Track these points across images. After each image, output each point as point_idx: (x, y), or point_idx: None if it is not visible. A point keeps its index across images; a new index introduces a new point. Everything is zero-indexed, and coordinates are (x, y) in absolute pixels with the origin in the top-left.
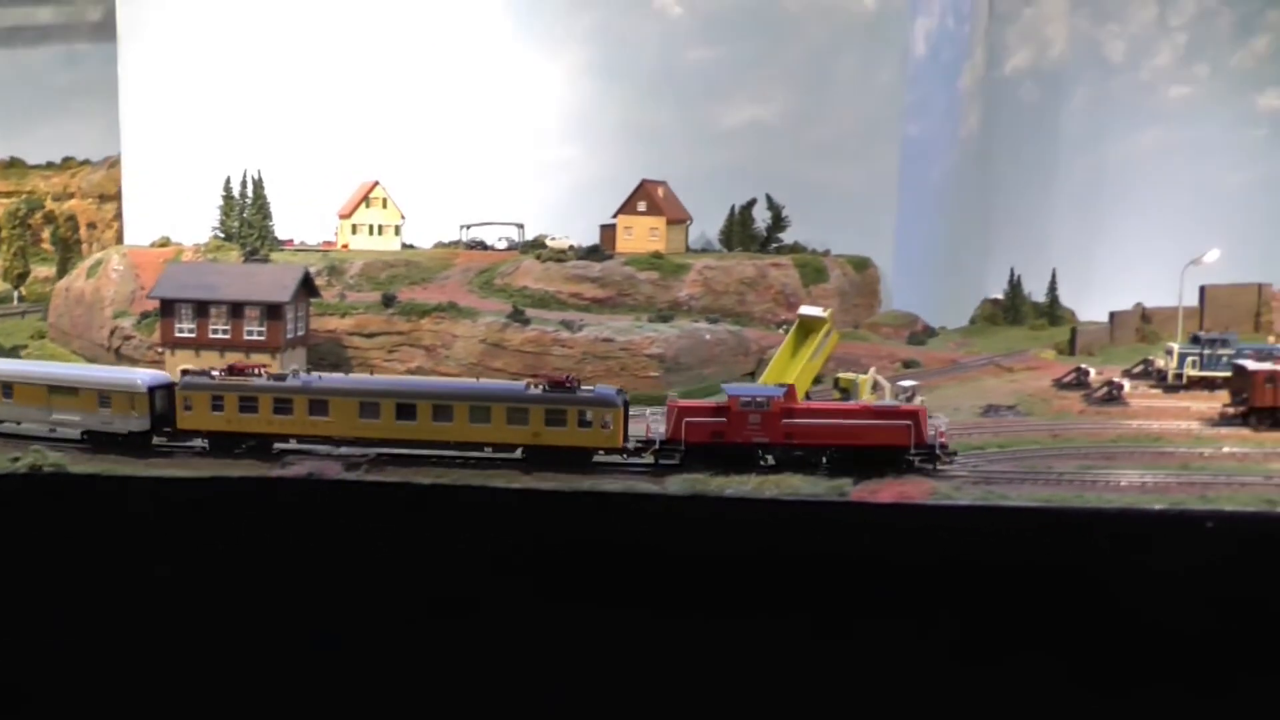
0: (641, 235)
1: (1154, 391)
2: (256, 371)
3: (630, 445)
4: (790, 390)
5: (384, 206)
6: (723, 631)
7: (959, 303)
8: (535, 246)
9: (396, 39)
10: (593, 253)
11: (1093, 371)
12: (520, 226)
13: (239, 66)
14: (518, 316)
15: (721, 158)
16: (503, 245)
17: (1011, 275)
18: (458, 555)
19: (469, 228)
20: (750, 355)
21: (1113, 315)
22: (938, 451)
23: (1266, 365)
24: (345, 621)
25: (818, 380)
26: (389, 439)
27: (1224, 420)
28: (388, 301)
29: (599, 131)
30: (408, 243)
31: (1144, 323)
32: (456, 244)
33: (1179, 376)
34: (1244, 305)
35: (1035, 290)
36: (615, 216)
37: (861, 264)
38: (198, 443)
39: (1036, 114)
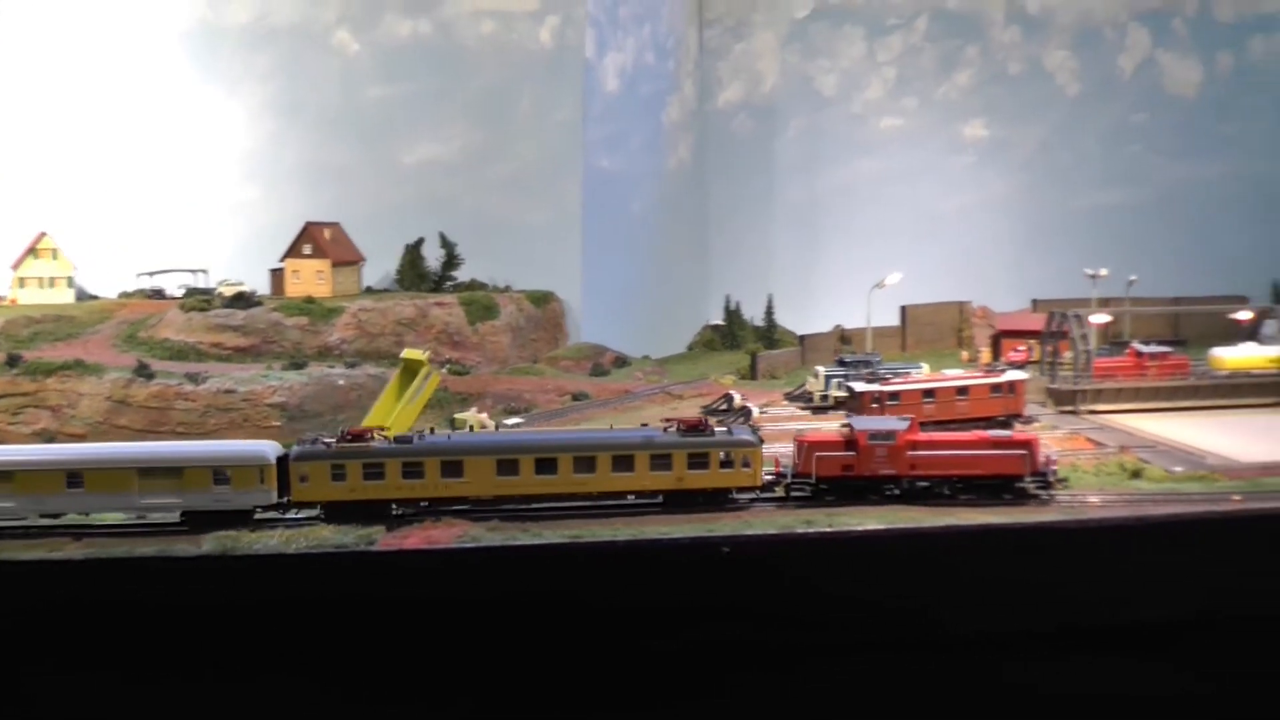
0: (309, 279)
1: (803, 413)
2: (372, 436)
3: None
4: (913, 423)
5: (54, 258)
6: (229, 694)
7: (677, 330)
8: (198, 293)
9: (74, 77)
10: (237, 300)
11: (737, 396)
12: (203, 272)
13: None
14: (142, 371)
15: (405, 195)
16: (182, 293)
17: (727, 301)
18: None
19: (151, 275)
20: None
21: (803, 338)
22: (1050, 479)
23: (874, 386)
24: None
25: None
26: (530, 495)
27: None
28: (12, 361)
29: (281, 171)
30: (93, 293)
31: (844, 344)
32: (140, 293)
33: (824, 398)
34: (945, 322)
35: (758, 314)
36: (282, 261)
37: (542, 298)
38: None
39: (751, 145)
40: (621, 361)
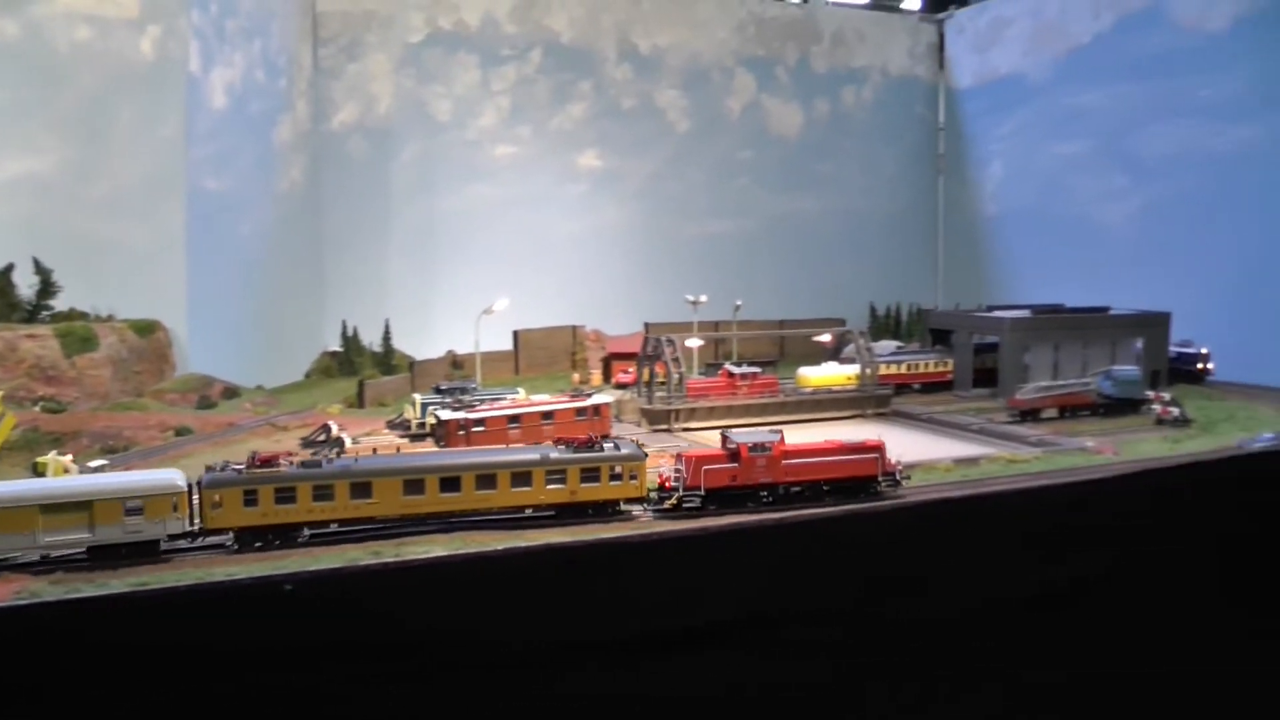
0: None
1: (402, 441)
2: (280, 461)
3: (651, 495)
4: (782, 435)
5: None
6: None
7: (294, 357)
8: None
9: None
10: None
11: (334, 427)
12: None
13: None
14: None
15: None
16: None
17: (344, 327)
18: None
19: None
20: None
21: (413, 364)
22: (898, 477)
23: (459, 414)
24: None
25: None
26: (434, 513)
27: None
28: None
29: None
30: None
31: (456, 369)
32: None
33: (421, 425)
34: (559, 346)
35: (377, 340)
36: None
37: (146, 328)
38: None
39: (367, 168)
40: (232, 393)
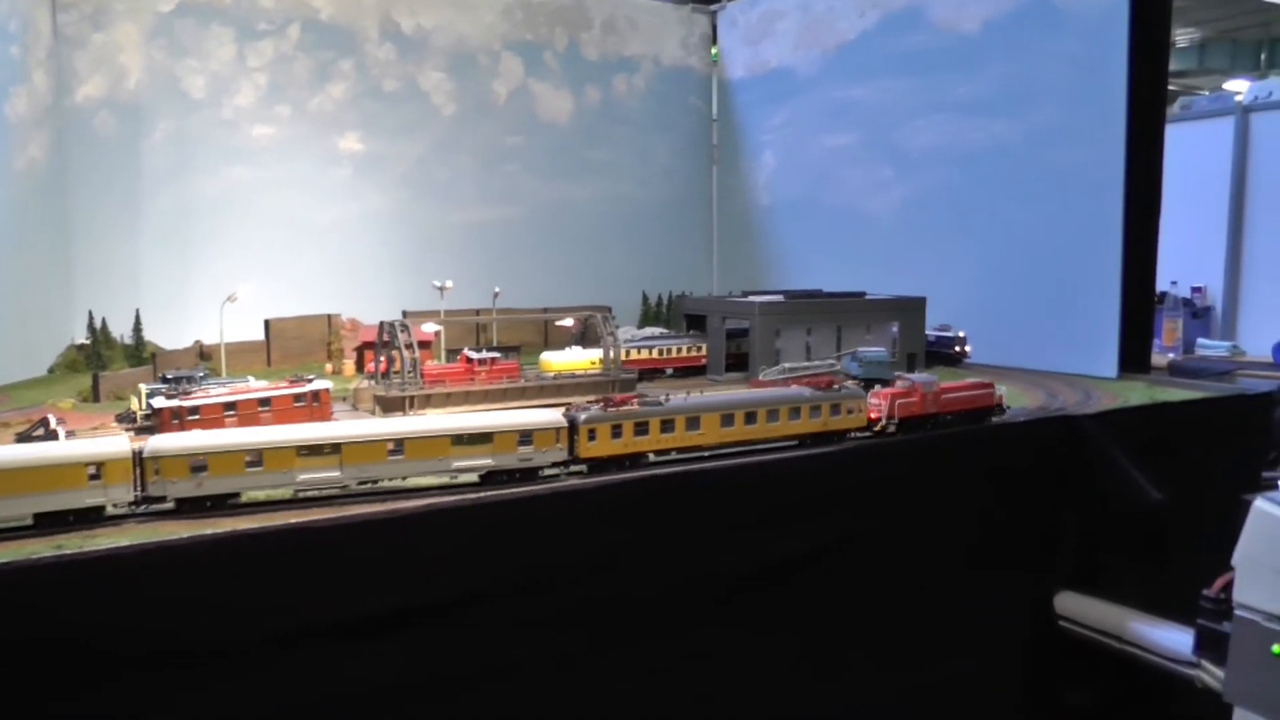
0: None
1: (128, 433)
2: (630, 403)
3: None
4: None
5: None
6: None
7: (35, 351)
8: None
9: None
10: None
11: (53, 421)
12: None
13: None
14: None
15: None
16: None
17: (91, 318)
18: None
19: None
20: None
21: (154, 356)
22: (1004, 407)
23: (174, 402)
24: None
25: None
26: (740, 440)
27: None
28: None
29: None
30: None
31: (204, 359)
32: None
33: (148, 416)
34: (314, 335)
35: (128, 331)
36: None
37: None
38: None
39: (116, 147)
40: None
